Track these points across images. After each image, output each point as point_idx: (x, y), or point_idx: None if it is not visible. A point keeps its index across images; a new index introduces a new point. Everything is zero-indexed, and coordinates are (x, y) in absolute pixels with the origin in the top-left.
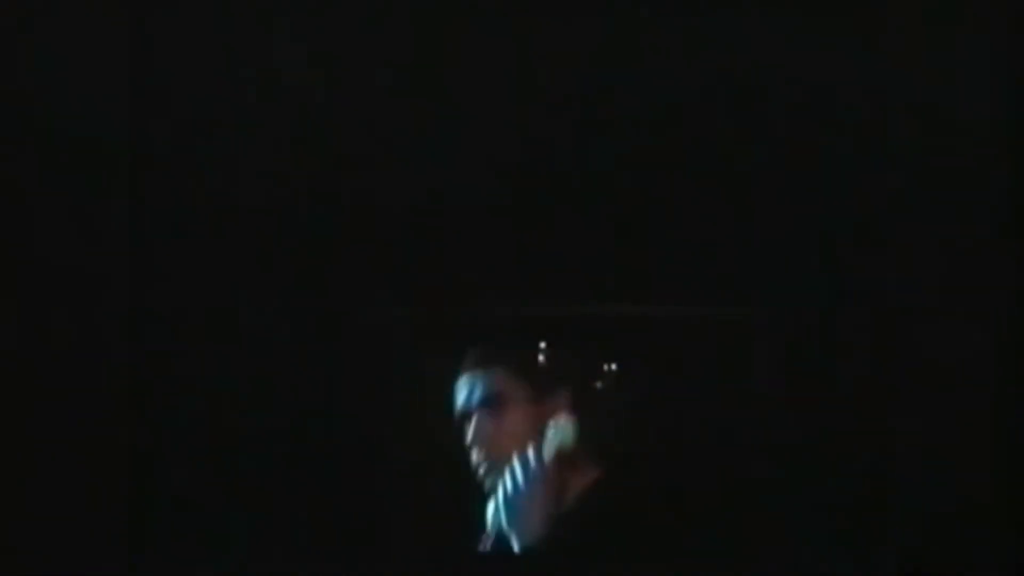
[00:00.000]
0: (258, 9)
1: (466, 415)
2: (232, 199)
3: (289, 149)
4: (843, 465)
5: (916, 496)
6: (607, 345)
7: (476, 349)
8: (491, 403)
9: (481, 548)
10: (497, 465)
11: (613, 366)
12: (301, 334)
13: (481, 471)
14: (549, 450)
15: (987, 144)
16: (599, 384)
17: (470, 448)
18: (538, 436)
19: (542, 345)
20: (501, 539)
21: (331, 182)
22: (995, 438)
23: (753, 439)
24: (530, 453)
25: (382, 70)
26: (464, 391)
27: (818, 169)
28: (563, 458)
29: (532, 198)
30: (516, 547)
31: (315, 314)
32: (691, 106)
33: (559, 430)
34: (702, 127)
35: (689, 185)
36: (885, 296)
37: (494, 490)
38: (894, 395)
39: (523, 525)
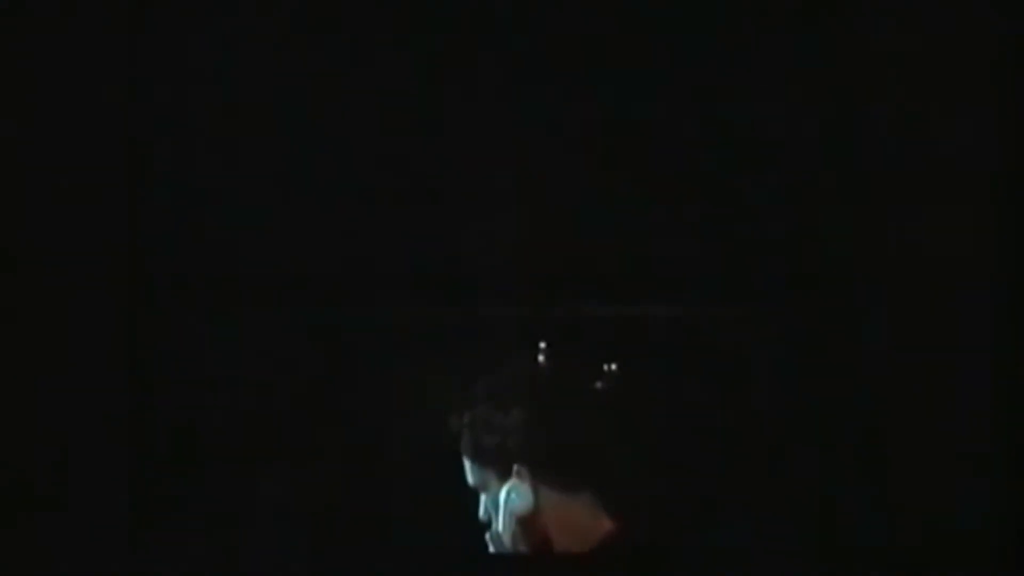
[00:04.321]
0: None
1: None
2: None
3: (290, 148)
4: (843, 465)
5: (917, 496)
6: (607, 345)
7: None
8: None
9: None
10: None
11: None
12: (302, 335)
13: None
14: (506, 520)
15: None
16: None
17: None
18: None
19: (542, 345)
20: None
21: (328, 183)
22: (996, 438)
23: (752, 439)
24: (492, 527)
25: (384, 75)
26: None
27: (819, 168)
28: (527, 521)
29: (531, 196)
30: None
31: (316, 315)
32: (690, 104)
33: (511, 500)
34: (702, 126)
35: (689, 184)
36: (885, 295)
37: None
38: (895, 395)
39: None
